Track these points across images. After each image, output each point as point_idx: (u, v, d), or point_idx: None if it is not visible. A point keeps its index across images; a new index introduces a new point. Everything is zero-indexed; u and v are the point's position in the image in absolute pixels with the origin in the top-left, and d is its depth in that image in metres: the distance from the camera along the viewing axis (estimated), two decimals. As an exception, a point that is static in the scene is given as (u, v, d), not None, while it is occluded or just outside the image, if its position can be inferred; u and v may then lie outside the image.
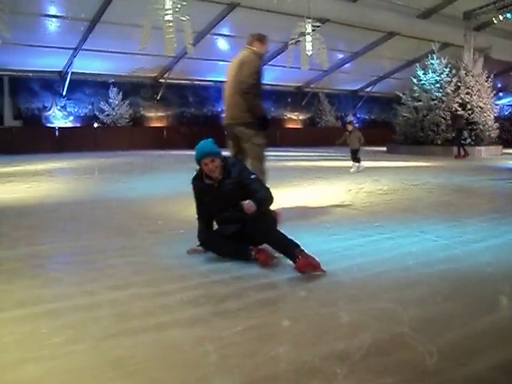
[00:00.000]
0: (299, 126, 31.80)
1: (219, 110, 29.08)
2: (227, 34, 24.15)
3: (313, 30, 19.10)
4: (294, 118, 31.76)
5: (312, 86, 31.04)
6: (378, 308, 3.01)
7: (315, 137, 29.53)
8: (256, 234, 4.03)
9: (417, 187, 9.16)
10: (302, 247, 3.81)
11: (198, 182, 4.29)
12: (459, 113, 20.28)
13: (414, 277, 3.63)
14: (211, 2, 20.68)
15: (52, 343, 2.59)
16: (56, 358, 2.44)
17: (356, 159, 12.76)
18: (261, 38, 5.86)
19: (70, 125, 24.57)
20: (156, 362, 2.39)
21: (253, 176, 4.29)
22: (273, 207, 5.87)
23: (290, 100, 31.42)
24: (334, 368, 2.28)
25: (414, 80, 21.85)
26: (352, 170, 12.49)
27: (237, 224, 4.13)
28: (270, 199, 4.31)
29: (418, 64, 22.86)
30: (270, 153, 17.48)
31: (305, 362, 2.35)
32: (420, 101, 21.35)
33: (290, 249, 3.83)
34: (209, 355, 2.44)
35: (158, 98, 26.94)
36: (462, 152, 18.68)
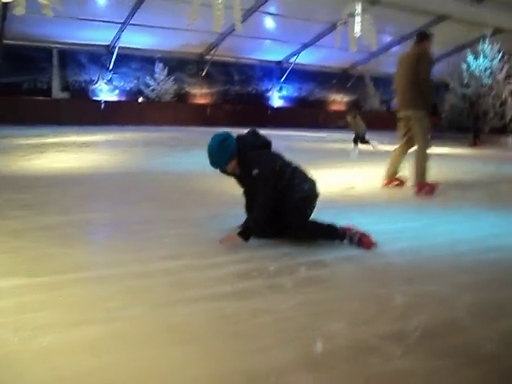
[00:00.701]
0: (343, 109, 31.47)
1: (263, 89, 28.98)
2: (275, 13, 23.92)
3: (362, 11, 18.78)
4: (339, 100, 31.44)
5: (358, 68, 30.60)
6: (433, 291, 2.97)
7: (359, 120, 29.22)
8: (291, 230, 3.97)
9: (466, 175, 8.98)
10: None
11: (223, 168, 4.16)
12: (476, 99, 19.87)
13: (467, 262, 3.57)
14: (260, -20, 20.53)
15: (109, 307, 2.64)
16: (113, 321, 2.49)
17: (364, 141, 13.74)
18: (429, 36, 6.93)
19: (115, 98, 24.82)
20: (212, 331, 2.42)
21: (255, 171, 3.88)
22: (432, 178, 6.76)
23: (335, 82, 31.07)
24: (390, 347, 2.28)
25: (464, 66, 21.37)
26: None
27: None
28: (264, 209, 3.86)
29: (468, 49, 22.33)
30: (314, 134, 17.38)
31: (360, 340, 2.34)
32: (469, 87, 20.89)
33: (333, 231, 3.90)
34: (264, 327, 2.46)
35: (203, 74, 26.96)
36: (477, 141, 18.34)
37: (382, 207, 5.56)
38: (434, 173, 6.78)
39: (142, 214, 4.84)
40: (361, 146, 13.71)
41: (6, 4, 13.40)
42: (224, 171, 4.17)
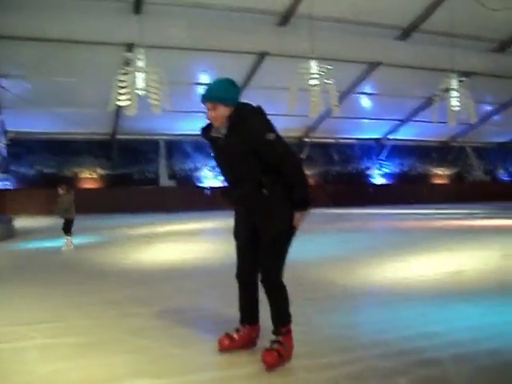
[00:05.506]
0: (446, 182, 30.88)
1: (363, 167, 29.10)
2: (370, 92, 24.34)
3: (458, 85, 18.67)
4: (440, 174, 30.93)
5: (458, 140, 30.12)
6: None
7: (463, 193, 28.48)
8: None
9: None
10: (291, 324, 3.67)
11: (205, 132, 3.57)
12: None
13: None
14: (354, 63, 21.04)
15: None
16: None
17: (69, 232, 10.64)
18: None
19: (221, 184, 25.81)
20: None
21: (271, 135, 3.45)
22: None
23: (434, 155, 30.73)
24: None
25: None
26: (65, 247, 10.50)
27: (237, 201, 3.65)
28: (301, 170, 3.51)
29: None
30: (418, 210, 16.96)
31: None
32: None
33: (278, 322, 3.67)
34: None
35: (304, 156, 27.53)
36: None
37: (493, 294, 5.34)
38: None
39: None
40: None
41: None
42: (208, 125, 3.54)
